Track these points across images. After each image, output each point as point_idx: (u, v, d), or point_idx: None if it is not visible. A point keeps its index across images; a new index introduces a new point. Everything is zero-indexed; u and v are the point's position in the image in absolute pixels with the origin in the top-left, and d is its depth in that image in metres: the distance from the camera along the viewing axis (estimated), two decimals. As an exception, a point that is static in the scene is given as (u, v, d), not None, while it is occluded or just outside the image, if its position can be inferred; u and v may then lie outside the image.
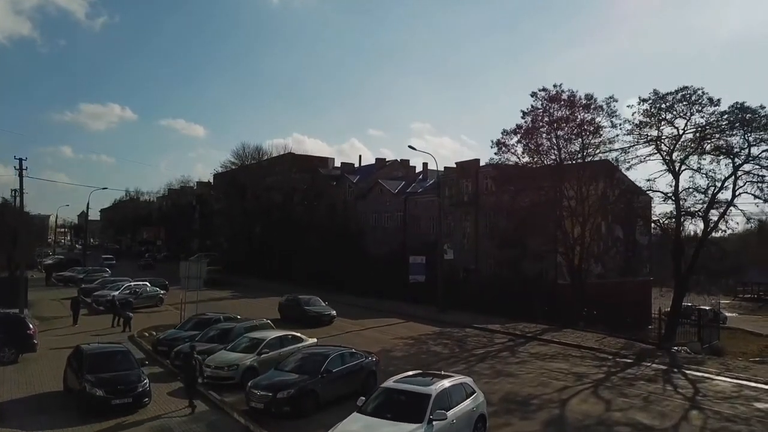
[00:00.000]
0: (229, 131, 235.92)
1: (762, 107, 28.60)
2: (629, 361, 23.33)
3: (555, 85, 34.45)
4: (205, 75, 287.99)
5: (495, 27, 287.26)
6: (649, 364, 22.62)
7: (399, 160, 65.61)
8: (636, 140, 32.61)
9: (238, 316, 27.39)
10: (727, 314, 51.88)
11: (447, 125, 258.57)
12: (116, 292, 38.36)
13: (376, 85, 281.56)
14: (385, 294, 43.90)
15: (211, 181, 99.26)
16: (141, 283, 41.21)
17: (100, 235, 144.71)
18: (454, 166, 54.13)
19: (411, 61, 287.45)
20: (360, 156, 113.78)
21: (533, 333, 29.46)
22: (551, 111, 34.66)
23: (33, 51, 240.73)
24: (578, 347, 26.03)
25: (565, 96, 34.21)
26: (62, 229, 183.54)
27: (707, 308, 44.46)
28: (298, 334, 22.04)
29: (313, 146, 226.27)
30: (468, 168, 49.86)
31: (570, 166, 36.23)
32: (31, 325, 22.75)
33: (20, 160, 34.27)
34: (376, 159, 66.52)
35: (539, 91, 34.77)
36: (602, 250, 39.20)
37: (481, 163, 48.31)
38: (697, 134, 30.35)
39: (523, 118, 35.25)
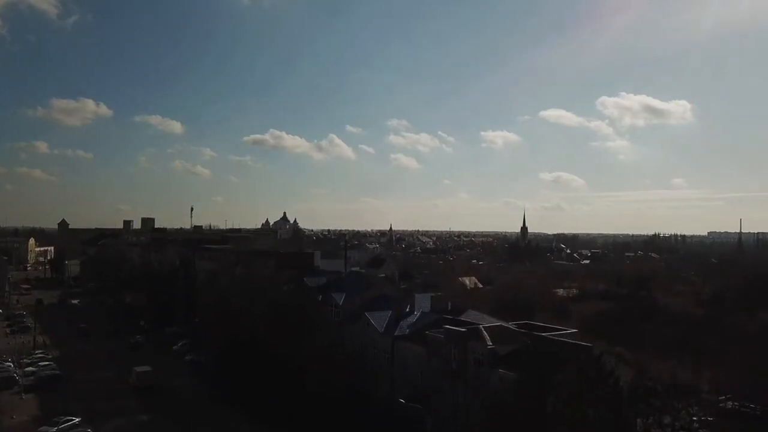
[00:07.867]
0: (207, 127, 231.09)
1: None
2: None
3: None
4: (181, 72, 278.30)
5: (471, 22, 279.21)
6: None
7: (385, 275, 64.78)
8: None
9: None
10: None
11: (424, 121, 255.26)
12: None
13: (352, 82, 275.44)
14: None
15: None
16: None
17: (80, 268, 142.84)
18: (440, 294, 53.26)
19: (386, 58, 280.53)
20: (345, 253, 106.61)
21: None
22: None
23: (2, 47, 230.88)
24: None
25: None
26: (42, 248, 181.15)
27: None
28: None
29: (293, 142, 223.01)
30: (455, 337, 49.18)
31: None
32: None
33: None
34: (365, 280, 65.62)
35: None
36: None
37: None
38: None
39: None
